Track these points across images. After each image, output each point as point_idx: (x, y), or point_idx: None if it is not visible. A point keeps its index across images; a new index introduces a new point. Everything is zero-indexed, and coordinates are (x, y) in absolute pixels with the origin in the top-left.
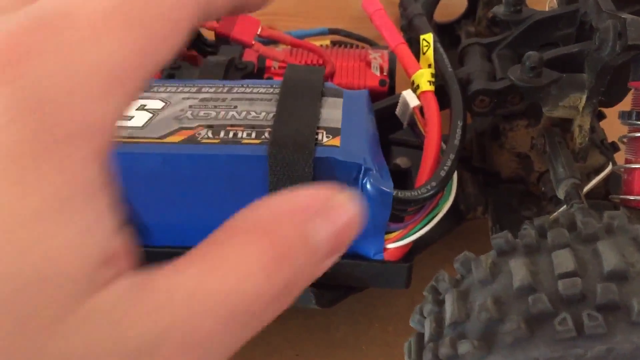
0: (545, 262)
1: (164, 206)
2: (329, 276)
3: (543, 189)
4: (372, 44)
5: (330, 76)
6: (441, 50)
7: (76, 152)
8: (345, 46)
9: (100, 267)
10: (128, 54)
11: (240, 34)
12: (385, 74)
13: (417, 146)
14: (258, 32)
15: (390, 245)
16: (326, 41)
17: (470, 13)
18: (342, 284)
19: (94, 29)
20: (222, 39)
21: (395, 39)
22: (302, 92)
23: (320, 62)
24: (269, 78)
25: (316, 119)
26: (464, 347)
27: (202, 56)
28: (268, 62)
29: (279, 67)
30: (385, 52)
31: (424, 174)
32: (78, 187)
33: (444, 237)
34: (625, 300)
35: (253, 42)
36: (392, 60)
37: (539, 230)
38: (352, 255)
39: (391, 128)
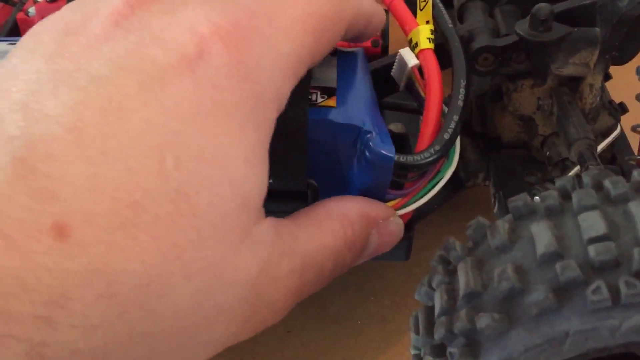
0: (572, 225)
1: None
2: None
3: (548, 153)
4: None
5: None
6: (440, 5)
7: (270, 116)
8: None
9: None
10: (306, 52)
11: None
12: (378, 34)
13: (414, 110)
14: None
15: None
16: None
17: None
18: None
19: (291, 29)
20: None
21: None
22: None
23: None
24: None
25: (308, 77)
26: (483, 321)
27: None
28: None
29: None
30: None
31: (424, 138)
32: (266, 141)
33: (441, 207)
34: None
35: None
36: (387, 18)
37: (561, 191)
38: None
39: (385, 91)
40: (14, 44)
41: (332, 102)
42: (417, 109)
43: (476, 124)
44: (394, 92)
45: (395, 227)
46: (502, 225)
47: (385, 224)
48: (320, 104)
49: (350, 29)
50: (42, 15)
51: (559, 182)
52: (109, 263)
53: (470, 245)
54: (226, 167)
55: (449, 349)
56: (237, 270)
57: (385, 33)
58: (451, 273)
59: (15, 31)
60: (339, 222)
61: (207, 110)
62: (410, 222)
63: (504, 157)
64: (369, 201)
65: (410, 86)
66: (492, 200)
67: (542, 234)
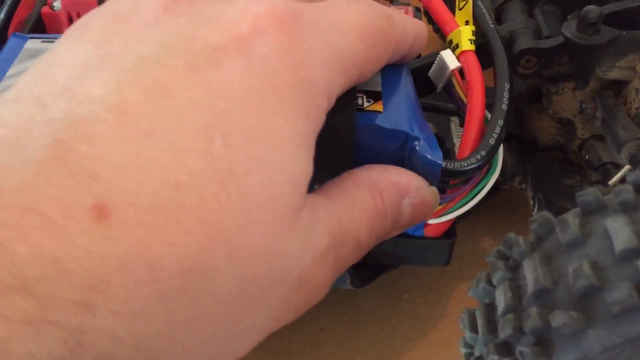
0: None
1: None
2: (366, 254)
3: (587, 157)
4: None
5: None
6: (481, 4)
7: (321, 106)
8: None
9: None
10: (358, 55)
11: None
12: None
13: (447, 111)
14: None
15: (432, 221)
16: None
17: None
18: (378, 262)
19: (344, 30)
20: None
21: None
22: None
23: None
24: None
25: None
26: (558, 319)
27: None
28: None
29: None
30: (410, 8)
31: (468, 143)
32: (315, 131)
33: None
34: None
35: None
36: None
37: (635, 186)
38: None
39: (420, 92)
40: (48, 41)
41: (378, 106)
42: (451, 110)
43: (512, 126)
44: (429, 93)
45: (430, 196)
46: (572, 220)
47: (418, 193)
48: (366, 109)
49: (397, 50)
50: (67, 9)
51: (631, 177)
52: (150, 247)
53: (533, 240)
54: (277, 149)
55: (519, 348)
56: (286, 256)
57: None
58: (513, 269)
59: (39, 26)
60: (369, 191)
61: (259, 91)
62: (453, 228)
63: (540, 159)
64: (399, 170)
65: (449, 88)
66: (531, 202)
67: (619, 230)
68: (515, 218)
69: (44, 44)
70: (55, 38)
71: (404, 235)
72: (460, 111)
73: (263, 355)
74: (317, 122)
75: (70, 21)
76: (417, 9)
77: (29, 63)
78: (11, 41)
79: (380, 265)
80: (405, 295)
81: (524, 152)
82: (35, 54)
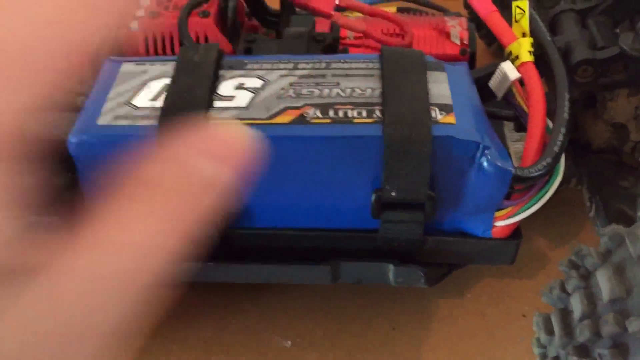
0: None
1: (271, 188)
2: (436, 254)
3: None
4: (441, 10)
5: (409, 46)
6: (537, 17)
7: None
8: (414, 13)
9: None
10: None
11: (320, 4)
12: (465, 42)
13: (503, 117)
14: (337, 2)
15: (500, 223)
16: (392, 8)
17: None
18: (447, 261)
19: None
20: (288, 8)
21: (487, 6)
22: (406, 67)
23: (398, 30)
24: (344, 49)
25: (427, 95)
26: (635, 325)
27: (264, 26)
28: (342, 33)
29: (355, 38)
30: (464, 20)
31: (531, 151)
32: None
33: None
34: None
35: (332, 13)
36: (472, 28)
37: None
38: (459, 233)
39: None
40: (140, 63)
41: (451, 118)
42: (506, 116)
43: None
44: (488, 101)
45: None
46: None
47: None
48: (440, 121)
49: None
50: (144, 30)
51: None
52: None
53: (604, 252)
54: None
55: (598, 351)
56: None
57: (472, 42)
58: (586, 278)
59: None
60: None
61: None
62: (518, 229)
63: (594, 162)
64: None
65: (510, 97)
66: (588, 204)
67: None
68: (569, 219)
69: (138, 66)
70: (146, 61)
71: (473, 236)
72: (520, 118)
73: (340, 351)
74: None
75: (147, 42)
76: (470, 19)
77: (131, 84)
78: (106, 65)
79: (450, 265)
80: (469, 295)
81: (579, 155)
82: (132, 76)
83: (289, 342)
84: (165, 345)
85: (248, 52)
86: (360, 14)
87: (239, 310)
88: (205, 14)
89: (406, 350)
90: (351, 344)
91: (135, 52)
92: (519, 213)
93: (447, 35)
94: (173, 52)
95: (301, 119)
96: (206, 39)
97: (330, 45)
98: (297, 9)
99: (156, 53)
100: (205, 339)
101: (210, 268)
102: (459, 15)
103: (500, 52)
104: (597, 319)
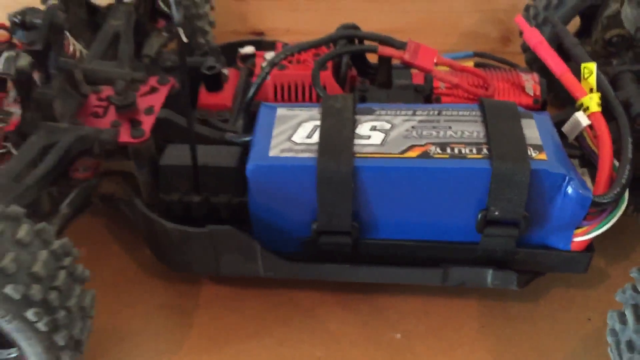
0: None
1: (397, 207)
2: (525, 263)
3: None
4: (512, 65)
5: (492, 96)
6: (603, 77)
7: None
8: (489, 68)
9: None
10: None
11: (423, 62)
12: (537, 94)
13: (576, 156)
14: (435, 60)
15: (578, 239)
16: (470, 63)
17: (583, 32)
18: (534, 269)
19: None
20: (386, 64)
21: (561, 67)
22: (503, 114)
23: (482, 83)
24: (437, 97)
25: (523, 137)
26: None
27: (361, 76)
28: (435, 83)
29: (445, 88)
30: (536, 75)
31: (602, 182)
32: None
33: None
34: None
35: (433, 68)
36: (543, 82)
37: None
38: (543, 245)
39: None
40: (291, 109)
41: (543, 156)
42: (578, 155)
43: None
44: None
45: None
46: None
47: None
48: (535, 158)
49: None
50: (274, 80)
51: None
52: None
53: None
54: None
55: None
56: None
57: (543, 94)
58: None
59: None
60: None
61: None
62: (591, 244)
63: None
64: None
65: (581, 140)
66: None
67: None
68: (624, 241)
69: (289, 111)
70: (295, 106)
71: (556, 249)
72: (589, 157)
73: (443, 343)
74: None
75: (275, 89)
76: (543, 75)
77: (288, 125)
78: (262, 110)
79: (535, 272)
80: (542, 302)
81: (635, 188)
82: (288, 119)
83: (399, 335)
84: (298, 335)
85: (363, 99)
86: (449, 69)
87: (357, 308)
88: (324, 68)
89: (494, 345)
90: (450, 337)
91: (265, 97)
92: (594, 231)
93: (522, 87)
94: (296, 98)
95: (425, 154)
96: (323, 87)
97: (430, 95)
98: (392, 63)
99: (282, 98)
100: (330, 331)
101: (346, 269)
102: (530, 70)
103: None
104: None
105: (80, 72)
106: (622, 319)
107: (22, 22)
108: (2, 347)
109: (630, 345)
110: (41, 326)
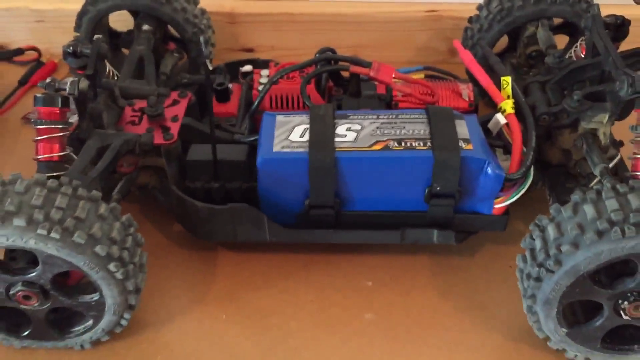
0: (602, 205)
1: (367, 187)
2: (460, 225)
3: (579, 170)
4: (453, 76)
5: (437, 102)
6: (516, 87)
7: None
8: (436, 79)
9: None
10: None
11: (384, 77)
12: (472, 100)
13: (499, 146)
14: (393, 76)
15: (497, 206)
16: (421, 75)
17: (510, 48)
18: (467, 229)
19: None
20: (356, 78)
21: (486, 80)
22: (442, 117)
23: (429, 92)
24: (395, 103)
25: (456, 133)
26: (565, 248)
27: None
28: (394, 93)
29: (401, 96)
30: (470, 84)
31: (514, 163)
32: None
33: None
34: None
35: (392, 82)
36: (475, 91)
37: (597, 191)
38: (473, 211)
39: None
40: (287, 115)
41: (470, 146)
42: (500, 145)
43: (536, 154)
44: (487, 136)
45: None
46: (569, 206)
47: None
48: (464, 148)
49: None
50: (270, 94)
51: (595, 186)
52: None
53: (551, 217)
54: None
55: (548, 262)
56: None
57: (476, 100)
58: (542, 230)
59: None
60: None
61: None
62: (508, 210)
63: (552, 172)
64: None
65: (500, 134)
66: (549, 198)
67: (590, 210)
68: (535, 205)
69: (286, 117)
70: (290, 114)
71: (482, 214)
72: (505, 145)
73: (402, 288)
74: None
75: (271, 100)
76: (475, 84)
77: (286, 127)
78: (265, 117)
79: (469, 232)
80: (477, 255)
81: (543, 168)
82: (285, 123)
83: (370, 282)
84: (294, 285)
85: (339, 107)
86: (404, 81)
87: (338, 264)
88: (309, 82)
89: (440, 287)
90: (408, 283)
91: (263, 106)
92: (508, 200)
93: (460, 94)
94: (287, 106)
95: (387, 148)
96: (308, 97)
97: (389, 102)
98: (362, 77)
99: (277, 107)
100: (319, 281)
101: (331, 233)
102: (467, 81)
103: (489, 104)
104: (548, 249)
105: (117, 89)
106: (524, 259)
107: (73, 51)
108: (88, 293)
109: (529, 276)
110: (118, 275)
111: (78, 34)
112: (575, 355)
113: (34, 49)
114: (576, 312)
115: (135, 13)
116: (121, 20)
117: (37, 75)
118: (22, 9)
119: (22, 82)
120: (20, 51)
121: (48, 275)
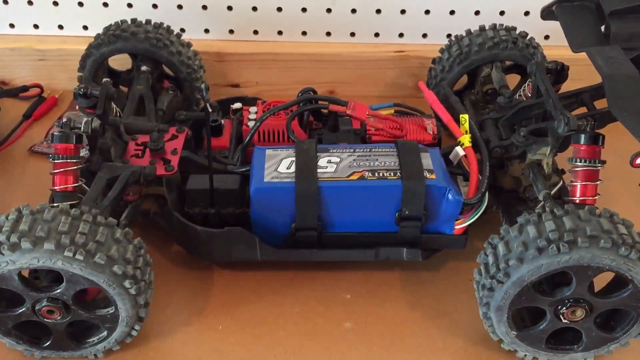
0: (542, 226)
1: (346, 211)
2: (427, 243)
3: (528, 195)
4: (419, 112)
5: (404, 136)
6: (473, 124)
7: None
8: (402, 114)
9: None
10: None
11: (359, 114)
12: (435, 133)
13: (455, 173)
14: (367, 113)
15: (457, 227)
16: (391, 110)
17: (469, 86)
18: (432, 247)
19: None
20: (334, 115)
21: (447, 116)
22: (409, 150)
23: (398, 127)
24: (368, 137)
25: (421, 164)
26: (512, 263)
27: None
28: (367, 128)
29: (374, 131)
30: (433, 120)
31: (471, 189)
32: None
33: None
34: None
35: (366, 118)
36: (439, 125)
37: (538, 214)
38: (437, 232)
39: None
40: (275, 149)
41: (433, 176)
42: (458, 172)
43: (490, 181)
44: (448, 166)
45: None
46: (515, 228)
47: None
48: (428, 177)
49: None
50: (258, 129)
51: (537, 210)
52: None
53: (501, 236)
54: None
55: (498, 276)
56: None
57: (439, 133)
58: (494, 248)
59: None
60: None
61: None
62: (467, 230)
63: (505, 197)
64: None
65: (460, 164)
66: (502, 219)
67: (532, 230)
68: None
69: (274, 151)
70: (277, 148)
71: (444, 234)
72: (464, 173)
73: (375, 299)
74: None
75: (259, 134)
76: (438, 119)
77: (274, 160)
78: (256, 152)
79: (434, 250)
80: (442, 270)
81: (497, 193)
82: (274, 157)
83: (349, 295)
84: (282, 298)
85: (320, 140)
86: (376, 117)
87: (321, 279)
88: (293, 119)
89: (410, 299)
90: (381, 295)
91: (254, 140)
92: (467, 221)
93: (425, 128)
94: (274, 140)
95: (362, 177)
96: (293, 132)
97: (363, 136)
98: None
99: (264, 141)
100: (303, 294)
101: (314, 252)
102: (431, 117)
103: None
104: (498, 264)
105: (122, 126)
106: (480, 272)
107: (84, 93)
108: (104, 307)
109: (483, 287)
110: (132, 291)
111: (81, 74)
112: (525, 355)
113: (37, 85)
114: (524, 317)
115: (134, 55)
116: (120, 59)
117: (39, 109)
118: (27, 49)
119: (26, 116)
120: (25, 88)
121: (70, 292)
